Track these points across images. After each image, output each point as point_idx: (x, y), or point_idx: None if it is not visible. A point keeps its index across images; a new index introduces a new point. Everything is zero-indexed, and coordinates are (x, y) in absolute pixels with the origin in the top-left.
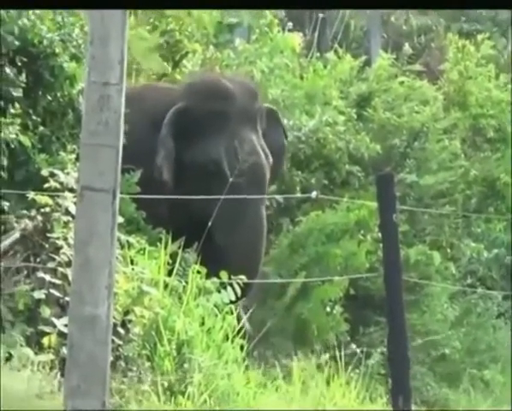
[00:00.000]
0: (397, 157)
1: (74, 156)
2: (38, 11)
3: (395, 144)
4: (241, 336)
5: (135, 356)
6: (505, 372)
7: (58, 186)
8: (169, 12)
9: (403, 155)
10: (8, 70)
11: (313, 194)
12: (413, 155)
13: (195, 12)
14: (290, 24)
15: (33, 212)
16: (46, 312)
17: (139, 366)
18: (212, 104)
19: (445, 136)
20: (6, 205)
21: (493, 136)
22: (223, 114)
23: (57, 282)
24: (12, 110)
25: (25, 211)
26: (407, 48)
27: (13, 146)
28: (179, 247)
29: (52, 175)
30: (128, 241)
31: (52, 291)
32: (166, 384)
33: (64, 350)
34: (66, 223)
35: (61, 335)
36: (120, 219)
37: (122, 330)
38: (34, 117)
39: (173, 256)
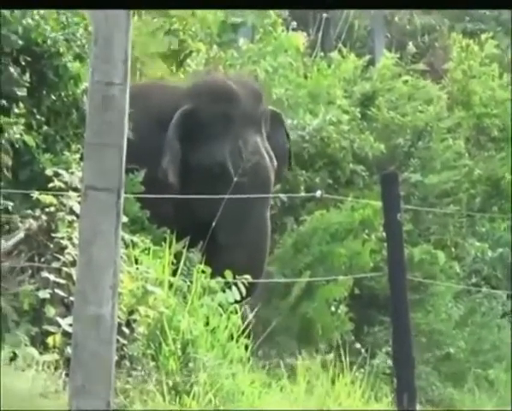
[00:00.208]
0: (401, 157)
1: (78, 155)
2: (42, 11)
3: (399, 143)
4: (245, 336)
5: (140, 356)
6: (510, 372)
7: (63, 185)
8: (173, 12)
9: (407, 154)
10: (12, 70)
11: (318, 194)
12: (418, 154)
13: (199, 11)
14: (294, 23)
15: (38, 212)
16: (51, 311)
17: (143, 365)
18: (218, 106)
19: (449, 135)
20: (10, 204)
21: (497, 135)
22: (229, 116)
23: (62, 281)
24: (16, 110)
25: (29, 211)
26: (410, 47)
27: (17, 146)
28: (183, 247)
29: (56, 174)
30: (132, 241)
31: (57, 291)
32: (171, 384)
33: (69, 350)
34: (70, 223)
35: (65, 334)
36: (124, 219)
37: (126, 330)
38: (38, 117)
39: (177, 256)
